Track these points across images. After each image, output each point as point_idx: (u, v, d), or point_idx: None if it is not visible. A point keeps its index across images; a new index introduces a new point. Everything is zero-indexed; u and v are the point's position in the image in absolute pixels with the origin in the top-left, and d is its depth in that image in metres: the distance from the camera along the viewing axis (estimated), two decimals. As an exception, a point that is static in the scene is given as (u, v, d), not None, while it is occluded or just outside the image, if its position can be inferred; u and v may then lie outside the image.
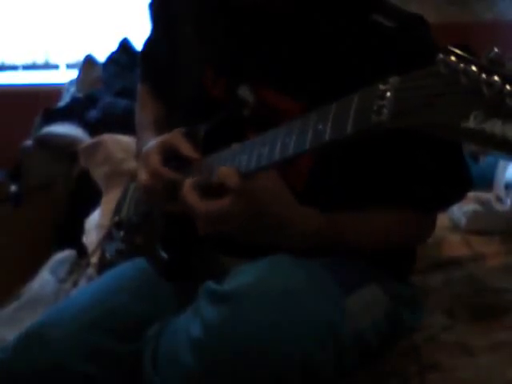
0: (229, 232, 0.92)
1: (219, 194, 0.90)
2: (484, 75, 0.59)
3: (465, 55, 0.61)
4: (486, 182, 1.89)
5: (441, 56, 0.61)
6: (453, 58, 0.61)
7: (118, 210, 1.30)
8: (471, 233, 1.65)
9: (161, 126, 1.18)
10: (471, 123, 0.60)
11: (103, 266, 1.26)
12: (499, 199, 1.87)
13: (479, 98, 0.59)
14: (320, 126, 0.77)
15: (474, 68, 0.60)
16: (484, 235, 1.63)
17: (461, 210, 1.69)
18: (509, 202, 1.81)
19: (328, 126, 0.76)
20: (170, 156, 1.01)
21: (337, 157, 0.98)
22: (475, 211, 1.71)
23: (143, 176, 1.02)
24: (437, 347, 1.09)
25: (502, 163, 1.96)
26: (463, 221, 1.69)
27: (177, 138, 1.02)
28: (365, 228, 1.01)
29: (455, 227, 1.70)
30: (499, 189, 1.89)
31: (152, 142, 1.04)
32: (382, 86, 0.69)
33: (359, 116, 0.71)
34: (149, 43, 1.29)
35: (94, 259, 1.40)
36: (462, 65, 0.60)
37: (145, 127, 1.22)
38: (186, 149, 1.00)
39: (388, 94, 0.68)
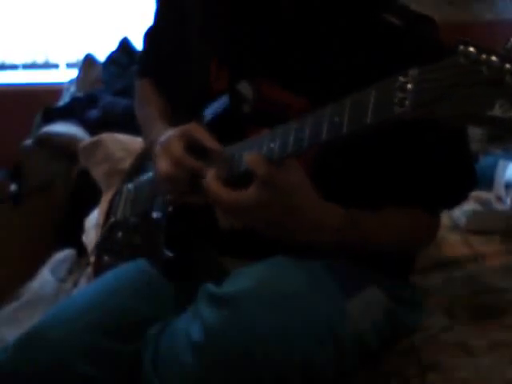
0: (248, 225, 0.90)
1: (240, 186, 0.88)
2: (508, 65, 0.60)
3: (484, 46, 0.63)
4: (486, 181, 1.89)
5: (461, 47, 0.63)
6: (472, 49, 0.62)
7: (113, 211, 1.30)
8: (471, 233, 1.65)
9: (168, 119, 1.18)
10: (497, 111, 0.61)
11: (100, 268, 1.25)
12: (499, 199, 1.87)
13: (503, 86, 0.61)
14: (336, 119, 0.77)
15: (494, 58, 0.61)
16: (484, 235, 1.63)
17: (461, 210, 1.69)
18: (509, 201, 1.81)
19: (345, 119, 0.76)
20: (190, 146, 1.00)
21: (338, 156, 0.97)
22: (475, 211, 1.71)
23: (164, 165, 0.99)
24: (437, 347, 1.09)
25: (501, 163, 1.97)
26: (463, 221, 1.69)
27: (197, 128, 1.01)
28: (384, 227, 1.00)
29: (455, 227, 1.70)
30: (499, 188, 1.89)
31: (171, 132, 1.02)
32: (401, 78, 0.70)
33: (380, 108, 0.72)
34: (152, 33, 1.28)
35: (93, 258, 1.40)
36: (483, 55, 0.62)
37: (153, 119, 1.19)
38: (208, 139, 0.99)
39: (409, 85, 0.68)
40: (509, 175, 1.88)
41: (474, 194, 1.74)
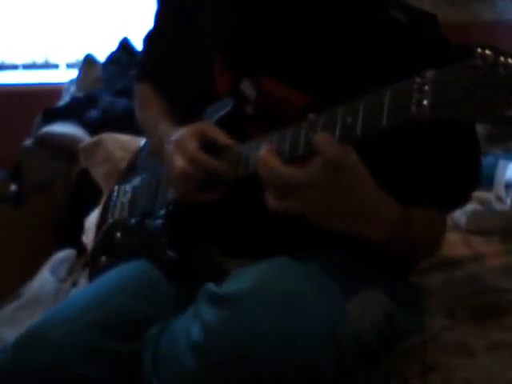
0: (302, 209, 0.84)
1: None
2: None
3: (501, 49, 0.64)
4: (486, 181, 1.89)
5: (478, 50, 0.64)
6: (489, 52, 0.64)
7: (110, 211, 1.30)
8: (471, 232, 1.65)
9: (171, 120, 1.17)
10: None
11: (96, 269, 1.25)
12: (499, 199, 1.87)
13: None
14: (349, 120, 0.77)
15: (511, 60, 0.63)
16: (484, 235, 1.63)
17: (461, 210, 1.69)
18: (509, 201, 1.81)
19: (359, 119, 0.76)
20: (202, 144, 0.99)
21: None
22: (475, 211, 1.71)
23: (180, 162, 0.98)
24: (437, 347, 1.09)
25: (501, 163, 1.97)
26: (463, 220, 1.69)
27: (210, 126, 1.01)
28: (423, 226, 0.99)
29: (455, 227, 1.70)
30: (499, 188, 1.89)
31: (183, 130, 1.02)
32: (418, 80, 0.70)
33: (396, 108, 0.72)
34: (152, 36, 1.28)
35: (91, 259, 1.40)
36: (501, 57, 0.63)
37: (157, 119, 1.19)
38: (223, 137, 0.99)
39: (426, 87, 0.69)
40: (509, 175, 1.88)
41: (475, 193, 1.74)
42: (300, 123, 0.86)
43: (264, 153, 0.85)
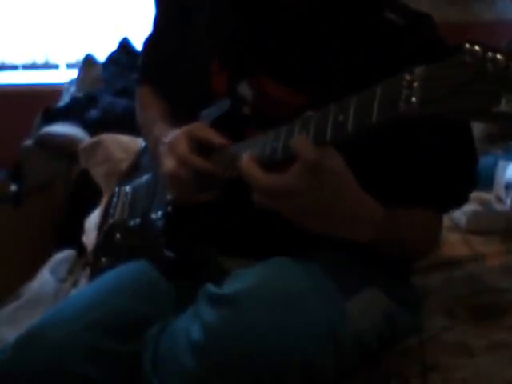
0: (286, 213, 0.85)
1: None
2: None
3: (489, 45, 0.64)
4: (486, 182, 1.89)
5: (467, 46, 0.64)
6: (477, 48, 0.64)
7: (110, 213, 1.30)
8: (471, 233, 1.65)
9: (169, 121, 1.17)
10: (503, 107, 0.63)
11: (97, 270, 1.25)
12: (499, 199, 1.87)
13: (509, 82, 0.62)
14: (341, 118, 0.77)
15: (499, 56, 0.62)
16: (484, 235, 1.63)
17: (461, 210, 1.69)
18: (509, 201, 1.81)
19: (350, 117, 0.76)
20: (195, 145, 0.99)
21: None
22: (475, 211, 1.71)
23: (171, 164, 0.99)
24: (437, 347, 1.09)
25: (501, 163, 1.96)
26: (463, 221, 1.69)
27: (202, 127, 1.01)
28: (411, 226, 0.99)
29: (455, 227, 1.70)
30: (499, 189, 1.89)
31: (176, 132, 1.02)
32: (407, 76, 0.70)
33: (386, 105, 0.72)
34: (151, 39, 1.28)
35: (91, 260, 1.40)
36: (489, 53, 0.63)
37: (154, 120, 1.19)
38: (215, 136, 0.99)
39: (415, 83, 0.69)
40: (509, 175, 1.88)
41: (474, 194, 1.74)
42: (294, 121, 0.86)
43: (243, 161, 0.87)
